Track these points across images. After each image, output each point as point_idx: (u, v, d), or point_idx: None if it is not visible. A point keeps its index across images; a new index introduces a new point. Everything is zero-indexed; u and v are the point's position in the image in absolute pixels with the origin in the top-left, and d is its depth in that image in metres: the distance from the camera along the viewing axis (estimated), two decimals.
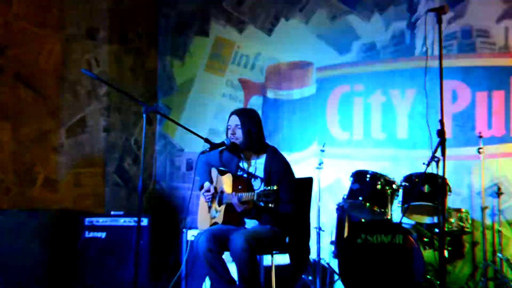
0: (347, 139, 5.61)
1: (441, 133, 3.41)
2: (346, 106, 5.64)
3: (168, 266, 5.50)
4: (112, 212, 5.32)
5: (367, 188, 4.69)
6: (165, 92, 6.51)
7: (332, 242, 5.05)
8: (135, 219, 5.10)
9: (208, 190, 3.96)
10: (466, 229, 4.68)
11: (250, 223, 3.93)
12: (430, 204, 4.53)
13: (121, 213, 5.29)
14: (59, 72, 5.74)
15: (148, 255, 5.13)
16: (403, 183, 4.69)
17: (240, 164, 4.00)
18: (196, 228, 4.45)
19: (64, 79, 5.76)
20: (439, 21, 3.53)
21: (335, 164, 5.47)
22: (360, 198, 4.69)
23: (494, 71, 5.11)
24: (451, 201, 4.76)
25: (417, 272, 4.27)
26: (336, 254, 4.89)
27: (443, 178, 3.55)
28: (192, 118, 6.28)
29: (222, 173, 4.00)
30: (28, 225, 5.05)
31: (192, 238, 4.92)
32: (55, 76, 5.72)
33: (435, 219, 4.68)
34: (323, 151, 5.19)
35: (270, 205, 3.53)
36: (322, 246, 5.05)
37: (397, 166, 5.24)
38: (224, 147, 3.98)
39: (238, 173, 3.98)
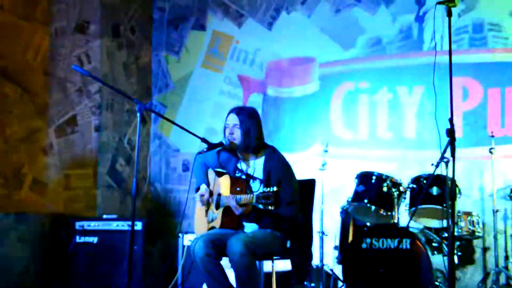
0: (352, 139, 5.62)
1: (450, 132, 3.41)
2: (350, 104, 5.64)
3: (164, 273, 5.51)
4: (104, 216, 5.32)
5: (373, 190, 4.69)
6: (160, 89, 6.51)
7: (336, 247, 5.05)
8: (129, 223, 5.11)
9: (203, 195, 3.96)
10: (477, 234, 4.69)
11: (249, 227, 3.93)
12: (439, 207, 4.53)
13: (114, 216, 5.30)
14: (47, 68, 5.75)
15: (142, 261, 5.14)
16: (411, 185, 4.70)
17: (238, 165, 4.00)
18: (193, 232, 4.45)
19: (53, 76, 5.77)
20: (449, 14, 3.52)
21: (339, 165, 5.47)
22: (365, 201, 4.69)
23: (507, 66, 5.11)
24: (461, 204, 4.77)
25: (425, 279, 4.27)
26: (340, 260, 4.89)
27: (452, 180, 3.55)
28: (188, 116, 6.28)
29: (219, 174, 4.00)
30: (16, 229, 5.06)
31: (189, 243, 4.90)
32: (43, 72, 5.73)
33: (444, 223, 4.69)
34: (326, 151, 5.19)
35: (269, 207, 3.53)
36: (325, 251, 5.05)
37: (404, 167, 5.25)
38: (222, 147, 3.98)
39: (236, 174, 3.98)
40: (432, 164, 4.00)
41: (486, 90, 5.16)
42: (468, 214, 4.69)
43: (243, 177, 3.94)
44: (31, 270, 5.17)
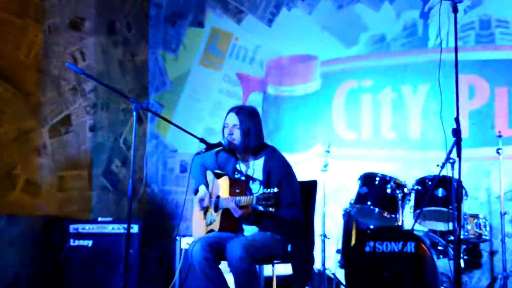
0: (354, 139, 5.62)
1: (456, 132, 3.42)
2: (353, 103, 5.64)
3: (161, 277, 5.51)
4: (99, 219, 5.32)
5: (376, 192, 4.70)
6: (157, 88, 6.52)
7: (338, 251, 5.05)
8: (125, 226, 5.11)
9: (203, 199, 3.96)
10: (484, 237, 4.69)
11: (249, 230, 3.93)
12: (444, 209, 4.53)
13: (109, 219, 5.30)
14: (40, 66, 5.75)
15: (138, 265, 5.14)
16: (415, 187, 4.69)
17: (237, 166, 4.00)
18: (191, 235, 4.45)
19: (46, 74, 5.77)
20: (455, 10, 3.53)
21: (341, 166, 5.48)
22: (369, 203, 4.70)
23: None
24: (468, 206, 4.77)
25: (430, 283, 4.27)
26: (342, 264, 4.90)
27: (458, 181, 3.55)
28: (186, 116, 6.29)
29: (218, 176, 4.00)
30: (7, 232, 5.05)
31: (186, 247, 4.91)
32: (37, 70, 5.73)
33: (450, 226, 4.68)
34: (328, 152, 5.20)
35: (270, 209, 3.53)
36: (328, 255, 5.05)
37: (408, 168, 5.25)
38: (220, 148, 3.99)
39: (235, 175, 3.98)
40: (438, 165, 3.99)
41: (493, 89, 5.16)
42: (475, 216, 4.69)
43: (243, 178, 3.95)
44: (23, 275, 5.17)
